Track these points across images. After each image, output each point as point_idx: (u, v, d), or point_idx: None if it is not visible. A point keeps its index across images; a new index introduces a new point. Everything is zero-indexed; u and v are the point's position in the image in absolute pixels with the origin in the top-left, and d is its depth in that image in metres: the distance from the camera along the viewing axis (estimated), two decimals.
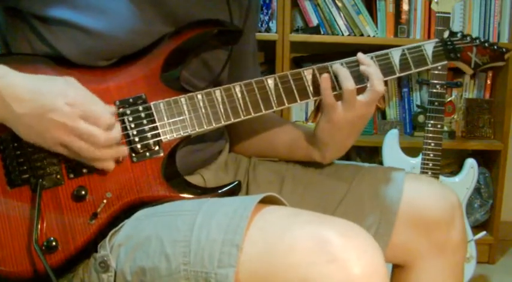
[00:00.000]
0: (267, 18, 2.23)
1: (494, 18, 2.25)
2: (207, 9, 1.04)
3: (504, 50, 1.16)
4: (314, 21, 2.27)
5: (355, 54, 1.04)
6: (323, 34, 2.26)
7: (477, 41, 1.14)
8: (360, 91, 1.00)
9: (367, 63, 1.02)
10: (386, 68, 1.05)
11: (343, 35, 2.25)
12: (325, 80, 1.00)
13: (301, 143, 1.11)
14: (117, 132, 0.88)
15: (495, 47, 1.15)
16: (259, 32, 2.20)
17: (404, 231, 1.06)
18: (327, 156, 1.09)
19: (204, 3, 1.04)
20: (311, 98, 1.02)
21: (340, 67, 1.01)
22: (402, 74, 1.06)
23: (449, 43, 1.11)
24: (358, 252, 0.75)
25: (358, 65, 1.03)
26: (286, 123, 1.18)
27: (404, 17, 2.26)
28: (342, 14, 2.23)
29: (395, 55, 1.06)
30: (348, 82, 0.99)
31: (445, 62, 1.11)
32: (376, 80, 0.99)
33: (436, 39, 1.10)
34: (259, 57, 2.27)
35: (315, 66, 1.02)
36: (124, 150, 0.90)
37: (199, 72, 1.05)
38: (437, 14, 1.82)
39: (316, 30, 2.25)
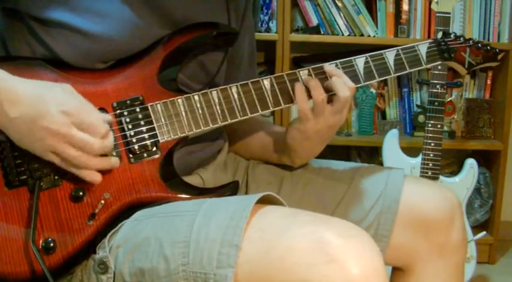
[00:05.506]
0: (267, 18, 2.23)
1: (494, 18, 2.25)
2: (205, 12, 1.04)
3: (497, 50, 1.17)
4: (314, 21, 2.27)
5: (354, 54, 1.04)
6: (323, 34, 2.25)
7: (470, 41, 1.14)
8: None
9: (332, 74, 1.00)
10: (381, 68, 1.05)
11: (343, 35, 2.24)
12: (298, 90, 0.99)
13: (273, 148, 1.14)
14: (111, 140, 0.88)
15: (488, 47, 1.15)
16: (259, 32, 2.19)
17: (403, 232, 1.05)
18: (296, 162, 1.11)
19: (202, 6, 1.04)
20: (308, 98, 1.01)
21: (310, 78, 1.00)
22: (397, 74, 1.07)
23: (443, 43, 1.11)
24: (357, 253, 0.75)
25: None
26: (262, 127, 1.19)
27: (404, 17, 2.26)
28: (342, 14, 2.23)
29: (389, 56, 1.06)
30: (314, 91, 0.98)
31: (439, 62, 1.11)
32: (340, 89, 0.97)
33: (430, 40, 1.10)
34: (259, 57, 2.26)
35: (310, 66, 1.02)
36: (116, 161, 0.89)
37: (196, 74, 1.05)
38: (437, 14, 1.82)
39: (316, 30, 2.25)
